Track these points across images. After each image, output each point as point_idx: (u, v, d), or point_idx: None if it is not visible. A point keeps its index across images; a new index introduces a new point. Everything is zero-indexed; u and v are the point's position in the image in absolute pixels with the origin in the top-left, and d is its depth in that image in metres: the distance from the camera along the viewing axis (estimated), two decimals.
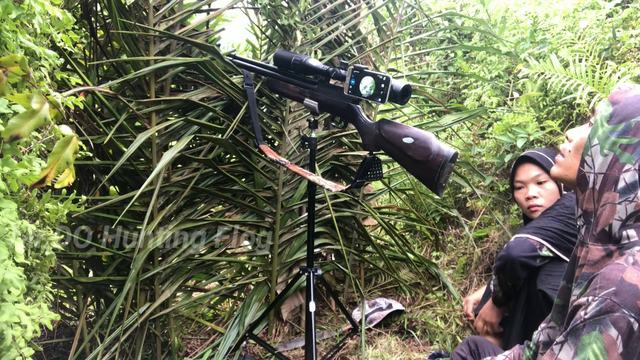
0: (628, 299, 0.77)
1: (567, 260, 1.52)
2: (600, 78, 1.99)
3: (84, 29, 1.77)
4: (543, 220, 1.77)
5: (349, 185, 1.60)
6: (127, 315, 1.85)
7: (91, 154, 1.37)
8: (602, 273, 0.83)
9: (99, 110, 1.81)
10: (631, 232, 0.87)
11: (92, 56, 1.89)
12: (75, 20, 1.35)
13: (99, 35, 1.87)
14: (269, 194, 2.13)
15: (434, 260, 2.62)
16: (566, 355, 0.82)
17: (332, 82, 1.63)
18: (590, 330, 0.79)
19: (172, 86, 1.90)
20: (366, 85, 1.42)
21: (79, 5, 1.76)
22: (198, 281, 2.21)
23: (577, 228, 0.98)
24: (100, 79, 1.92)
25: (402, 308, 2.42)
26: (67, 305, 2.06)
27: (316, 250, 2.30)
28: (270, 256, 2.21)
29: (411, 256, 2.48)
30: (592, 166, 0.90)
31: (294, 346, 2.22)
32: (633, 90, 0.92)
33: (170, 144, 1.92)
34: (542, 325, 1.11)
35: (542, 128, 2.36)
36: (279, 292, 2.19)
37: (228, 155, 2.14)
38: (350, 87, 1.45)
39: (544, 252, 1.68)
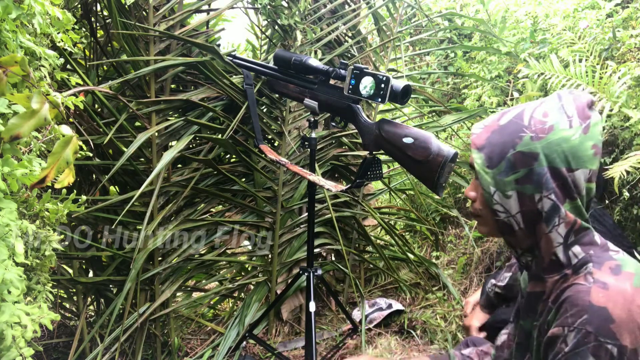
0: (601, 325, 0.77)
1: None
2: (601, 78, 1.99)
3: (84, 29, 1.77)
4: None
5: (349, 185, 1.60)
6: (127, 315, 1.85)
7: (91, 154, 1.36)
8: (569, 298, 0.82)
9: (99, 110, 1.81)
10: (576, 250, 0.86)
11: (92, 56, 1.89)
12: (75, 20, 1.35)
13: (99, 35, 1.87)
14: (269, 194, 2.13)
15: (434, 260, 2.62)
16: None
17: (332, 82, 1.63)
18: None
19: (172, 86, 1.90)
20: (366, 85, 1.42)
21: (79, 5, 1.76)
22: (198, 281, 2.21)
23: (523, 267, 0.96)
24: (100, 79, 1.92)
25: (402, 308, 2.42)
26: (67, 305, 2.06)
27: (316, 250, 2.30)
28: (270, 256, 2.21)
29: (411, 256, 2.48)
30: (507, 211, 0.88)
31: (294, 346, 2.22)
32: (485, 128, 0.91)
33: (170, 144, 1.92)
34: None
35: None
36: (279, 292, 2.19)
37: (228, 155, 2.14)
38: (350, 87, 1.45)
39: None
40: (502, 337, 1.14)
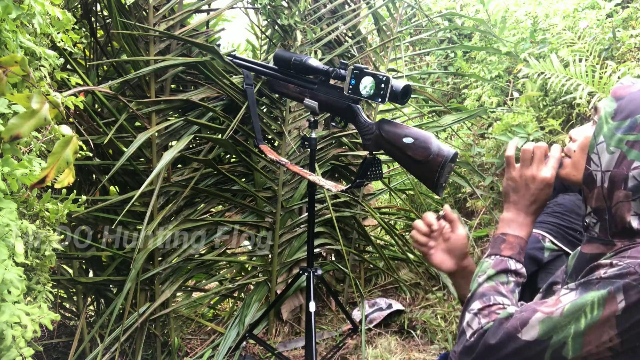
0: None
1: (569, 252, 1.52)
2: (600, 78, 1.99)
3: (84, 29, 1.77)
4: (540, 216, 1.78)
5: (349, 185, 1.60)
6: (127, 315, 1.85)
7: (91, 154, 1.36)
8: (630, 249, 0.82)
9: (99, 110, 1.81)
10: None
11: (92, 56, 1.89)
12: (75, 20, 1.35)
13: (99, 35, 1.87)
14: (269, 194, 2.13)
15: None
16: (568, 298, 0.81)
17: (332, 82, 1.62)
18: (601, 288, 0.78)
19: (172, 86, 1.90)
20: (366, 85, 1.42)
21: (79, 5, 1.76)
22: (198, 281, 2.21)
23: (583, 226, 0.95)
24: (100, 79, 1.92)
25: (402, 308, 2.42)
26: (67, 305, 2.06)
27: (316, 250, 2.30)
28: (270, 256, 2.21)
29: (411, 256, 2.48)
30: (599, 164, 0.87)
31: (294, 346, 2.22)
32: (636, 84, 0.89)
33: (170, 144, 1.92)
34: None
35: (542, 128, 2.36)
36: (279, 292, 2.19)
37: (228, 155, 2.14)
38: (350, 87, 1.45)
39: (547, 244, 1.69)
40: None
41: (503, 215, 0.99)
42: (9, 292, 0.83)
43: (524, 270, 0.95)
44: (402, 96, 1.39)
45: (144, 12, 1.77)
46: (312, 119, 1.71)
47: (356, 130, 1.71)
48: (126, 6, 1.71)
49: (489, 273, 0.94)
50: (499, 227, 0.97)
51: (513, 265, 0.95)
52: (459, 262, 1.15)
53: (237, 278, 2.25)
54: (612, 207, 0.87)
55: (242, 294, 2.34)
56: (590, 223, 0.93)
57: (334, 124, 1.63)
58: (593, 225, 0.92)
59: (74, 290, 1.93)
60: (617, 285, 0.76)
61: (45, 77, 1.07)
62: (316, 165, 2.02)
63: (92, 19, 1.80)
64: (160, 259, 1.94)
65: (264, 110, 2.09)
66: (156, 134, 1.83)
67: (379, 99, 1.40)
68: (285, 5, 2.02)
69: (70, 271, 1.91)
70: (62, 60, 1.23)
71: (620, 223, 0.86)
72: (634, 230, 0.85)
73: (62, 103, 0.90)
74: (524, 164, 0.98)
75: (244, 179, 2.10)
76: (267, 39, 2.24)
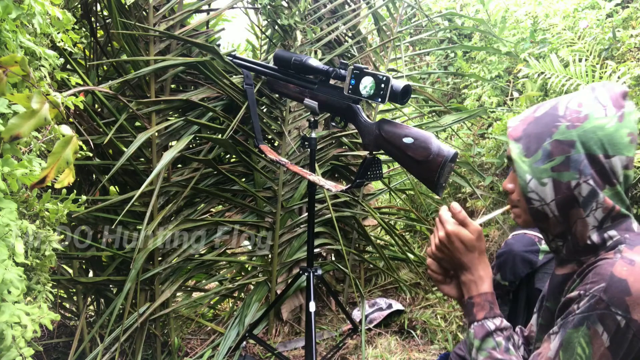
0: (616, 295, 0.79)
1: None
2: (600, 78, 1.99)
3: (84, 29, 1.77)
4: None
5: (349, 185, 1.60)
6: (127, 315, 1.85)
7: (91, 154, 1.37)
8: (593, 269, 0.84)
9: (99, 110, 1.81)
10: (612, 233, 0.88)
11: (92, 56, 1.89)
12: (75, 20, 1.35)
13: (99, 35, 1.87)
14: (269, 194, 2.13)
15: None
16: (554, 345, 0.84)
17: (332, 82, 1.63)
18: (578, 325, 0.81)
19: (172, 86, 1.90)
20: (366, 85, 1.42)
21: (79, 5, 1.76)
22: (198, 281, 2.21)
23: (552, 250, 0.98)
24: (100, 79, 1.92)
25: (402, 308, 2.42)
26: (67, 305, 2.06)
27: (316, 250, 2.30)
28: (270, 256, 2.21)
29: (411, 256, 2.48)
30: (541, 199, 0.90)
31: (294, 346, 2.22)
32: (521, 121, 0.94)
33: (170, 144, 1.92)
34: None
35: None
36: (279, 292, 2.19)
37: (228, 155, 2.14)
38: (350, 87, 1.45)
39: (543, 246, 1.69)
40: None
41: (461, 279, 0.99)
42: (9, 292, 0.83)
43: (504, 322, 0.95)
44: (402, 96, 1.39)
45: (144, 12, 1.77)
46: (312, 119, 1.71)
47: (356, 130, 1.72)
48: (126, 6, 1.71)
49: (476, 344, 0.94)
50: (464, 292, 0.98)
51: (492, 325, 0.94)
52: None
53: (237, 278, 2.25)
54: (571, 227, 0.90)
55: (242, 294, 2.34)
56: (557, 247, 0.96)
57: (334, 124, 1.63)
58: (561, 248, 0.95)
59: (74, 290, 1.93)
60: (592, 319, 0.80)
61: (45, 77, 1.07)
62: (316, 165, 2.02)
63: (92, 19, 1.80)
64: (160, 259, 1.94)
65: (264, 110, 2.09)
66: (156, 134, 1.83)
67: (379, 99, 1.40)
68: (285, 5, 2.02)
69: (70, 271, 1.91)
70: (62, 60, 1.23)
71: (582, 240, 0.90)
72: (596, 245, 0.89)
73: (62, 103, 0.90)
74: (441, 227, 0.98)
75: (244, 179, 2.10)
76: (267, 39, 2.24)
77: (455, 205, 0.96)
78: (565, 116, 0.88)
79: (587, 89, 0.92)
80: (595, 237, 0.88)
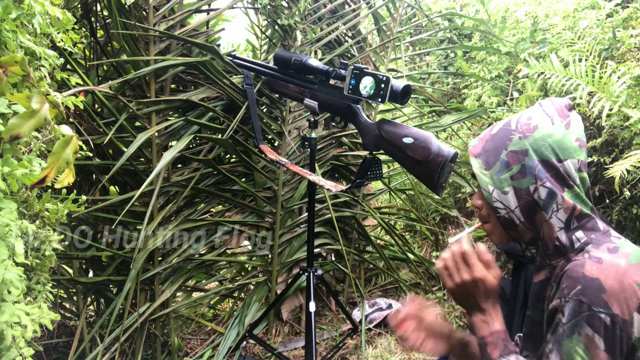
0: (594, 295, 0.82)
1: None
2: (600, 78, 1.99)
3: (84, 29, 1.77)
4: None
5: (349, 185, 1.60)
6: (127, 315, 1.85)
7: (91, 154, 1.37)
8: (565, 272, 0.88)
9: (99, 110, 1.81)
10: (579, 234, 0.92)
11: (92, 56, 1.89)
12: (75, 20, 1.35)
13: (99, 35, 1.87)
14: (269, 194, 2.13)
15: (434, 260, 2.62)
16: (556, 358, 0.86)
17: (332, 82, 1.63)
18: (570, 334, 0.84)
19: (172, 86, 1.90)
20: (366, 85, 1.42)
21: (79, 5, 1.76)
22: (198, 281, 2.21)
23: (528, 258, 1.01)
24: (100, 79, 1.92)
25: None
26: (67, 305, 2.06)
27: (316, 250, 2.30)
28: (270, 256, 2.21)
29: (411, 256, 2.48)
30: (506, 206, 0.96)
31: (294, 346, 2.22)
32: (479, 140, 1.02)
33: (170, 144, 1.92)
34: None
35: None
36: (279, 292, 2.19)
37: (228, 155, 2.14)
38: (350, 87, 1.45)
39: None
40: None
41: (472, 319, 0.99)
42: (9, 292, 0.83)
43: (520, 358, 0.94)
44: (402, 96, 1.39)
45: (144, 12, 1.77)
46: (312, 119, 1.71)
47: (356, 130, 1.71)
48: (126, 6, 1.71)
49: None
50: (475, 331, 0.98)
51: None
52: (449, 342, 1.10)
53: (237, 278, 2.25)
54: (539, 232, 0.95)
55: (242, 294, 2.34)
56: (532, 254, 1.00)
57: (334, 124, 1.63)
58: (535, 255, 0.99)
59: (74, 290, 1.93)
60: (580, 323, 0.83)
61: (45, 77, 1.07)
62: (316, 165, 2.02)
63: (92, 19, 1.80)
64: (160, 259, 1.94)
65: (264, 110, 2.09)
66: (156, 134, 1.83)
67: (379, 99, 1.40)
68: (285, 5, 2.02)
69: (70, 271, 1.91)
70: (62, 60, 1.23)
71: (551, 242, 0.94)
72: (565, 247, 0.93)
73: (62, 103, 0.90)
74: (456, 271, 0.97)
75: (244, 179, 2.10)
76: (267, 39, 2.24)
77: (482, 246, 0.98)
78: (517, 129, 0.96)
79: (535, 105, 1.00)
80: (563, 238, 0.92)
